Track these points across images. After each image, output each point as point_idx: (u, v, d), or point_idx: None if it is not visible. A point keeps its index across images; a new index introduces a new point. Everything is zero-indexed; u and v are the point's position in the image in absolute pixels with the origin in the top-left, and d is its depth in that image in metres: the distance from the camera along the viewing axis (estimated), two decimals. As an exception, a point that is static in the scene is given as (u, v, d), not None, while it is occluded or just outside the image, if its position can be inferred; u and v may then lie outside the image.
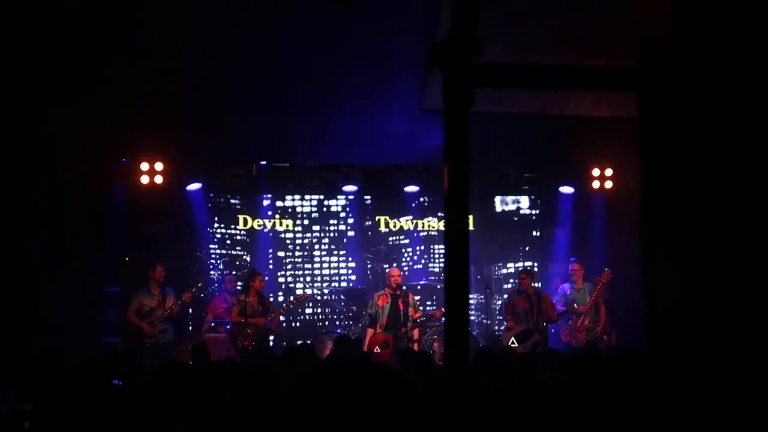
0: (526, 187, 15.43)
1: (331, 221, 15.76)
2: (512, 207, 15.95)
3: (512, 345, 11.86)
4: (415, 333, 12.18)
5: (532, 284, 12.83)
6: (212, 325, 13.09)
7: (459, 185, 2.02)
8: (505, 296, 13.69)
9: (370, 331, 12.13)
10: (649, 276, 1.73)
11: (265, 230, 15.23)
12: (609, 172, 14.48)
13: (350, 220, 15.72)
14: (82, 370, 5.49)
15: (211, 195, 14.81)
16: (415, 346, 11.85)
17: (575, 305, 12.59)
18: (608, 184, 14.49)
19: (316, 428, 1.41)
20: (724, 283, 1.50)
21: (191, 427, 3.36)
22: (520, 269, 13.71)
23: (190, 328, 13.82)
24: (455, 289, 1.76)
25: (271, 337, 12.81)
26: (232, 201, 15.27)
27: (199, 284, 12.86)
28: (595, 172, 14.50)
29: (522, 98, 2.54)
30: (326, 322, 15.12)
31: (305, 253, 15.43)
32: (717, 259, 1.51)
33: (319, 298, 15.35)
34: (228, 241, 15.18)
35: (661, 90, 1.68)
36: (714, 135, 1.59)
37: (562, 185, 14.92)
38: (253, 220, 15.11)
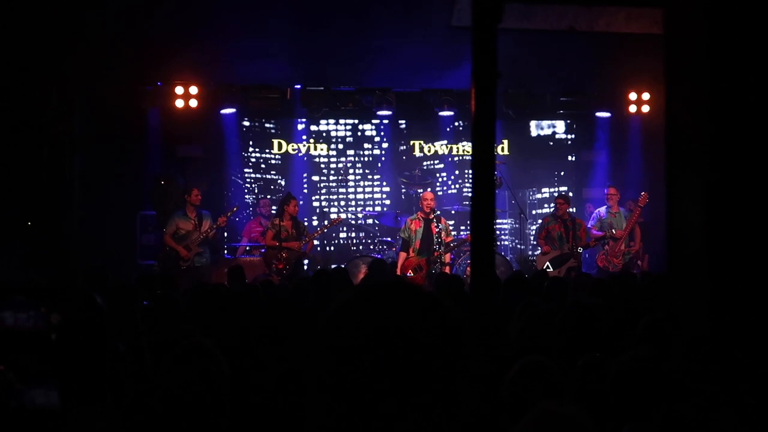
0: (561, 112, 15.21)
1: (366, 145, 15.71)
2: (548, 131, 15.79)
3: (547, 269, 11.87)
4: (446, 257, 12.21)
5: (568, 210, 12.78)
6: (246, 248, 13.20)
7: (486, 103, 1.98)
8: (540, 221, 13.65)
9: (402, 255, 12.17)
10: (673, 201, 1.70)
11: (300, 154, 15.23)
12: (646, 96, 14.24)
13: (384, 145, 15.66)
14: (115, 288, 5.58)
15: (246, 119, 14.81)
16: (446, 269, 11.90)
17: (613, 230, 12.55)
18: (645, 108, 14.26)
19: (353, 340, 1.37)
20: (747, 208, 1.47)
21: (223, 346, 3.41)
22: (557, 194, 13.63)
23: (225, 251, 13.92)
24: (481, 213, 1.73)
25: (306, 261, 12.90)
26: (267, 125, 15.26)
27: (235, 208, 12.93)
28: (632, 96, 14.27)
29: (552, 15, 2.46)
30: (360, 247, 15.18)
31: (339, 178, 15.44)
32: (742, 185, 1.47)
33: (353, 222, 15.40)
34: (262, 165, 15.21)
35: (691, 6, 1.62)
36: (746, 56, 1.53)
37: (599, 110, 14.74)
38: (287, 144, 15.13)
